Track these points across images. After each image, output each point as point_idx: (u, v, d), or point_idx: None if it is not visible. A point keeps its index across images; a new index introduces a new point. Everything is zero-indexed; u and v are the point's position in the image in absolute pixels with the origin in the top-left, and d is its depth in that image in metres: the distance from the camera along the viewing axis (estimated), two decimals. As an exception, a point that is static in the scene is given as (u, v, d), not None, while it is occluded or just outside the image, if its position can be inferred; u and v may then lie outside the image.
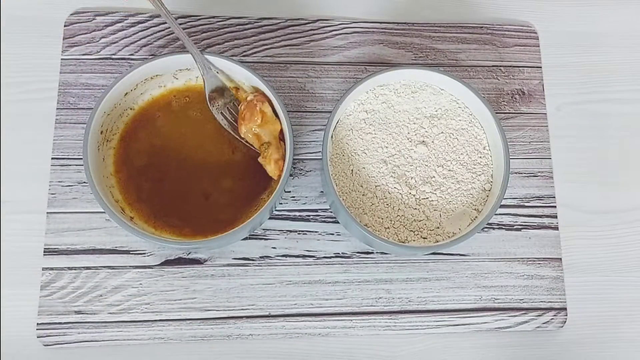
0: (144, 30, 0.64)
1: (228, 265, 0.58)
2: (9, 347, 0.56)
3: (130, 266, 0.58)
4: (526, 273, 0.61)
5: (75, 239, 0.58)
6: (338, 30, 0.66)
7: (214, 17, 0.65)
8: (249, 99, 0.55)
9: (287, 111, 0.55)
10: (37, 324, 0.56)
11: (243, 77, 0.57)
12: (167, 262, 0.58)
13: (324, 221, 0.60)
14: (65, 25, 0.63)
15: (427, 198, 0.56)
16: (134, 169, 0.56)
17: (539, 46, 0.68)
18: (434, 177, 0.56)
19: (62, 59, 0.62)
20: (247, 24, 0.65)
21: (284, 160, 0.54)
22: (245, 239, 0.59)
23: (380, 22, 0.67)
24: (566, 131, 0.66)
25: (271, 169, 0.55)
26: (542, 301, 0.60)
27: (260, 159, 0.55)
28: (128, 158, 0.56)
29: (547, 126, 0.65)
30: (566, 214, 0.63)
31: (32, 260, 0.57)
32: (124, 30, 0.63)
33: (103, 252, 0.58)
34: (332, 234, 0.60)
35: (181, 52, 0.55)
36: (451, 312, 0.59)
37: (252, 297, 0.58)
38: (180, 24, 0.64)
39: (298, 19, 0.66)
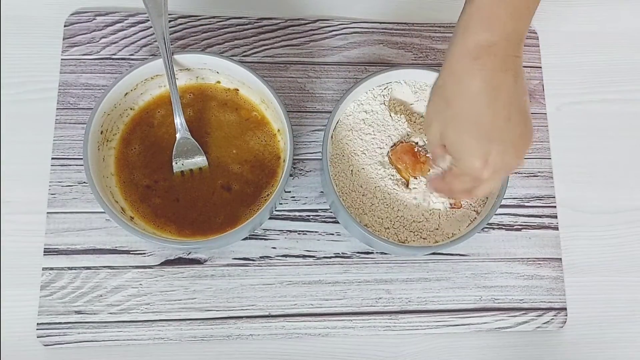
0: (144, 30, 0.64)
1: (228, 265, 0.58)
2: (9, 347, 0.56)
3: (130, 266, 0.58)
4: (526, 273, 0.61)
5: (75, 239, 0.58)
6: (338, 30, 0.66)
7: (214, 17, 0.65)
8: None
9: (287, 111, 0.55)
10: (37, 324, 0.56)
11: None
12: (167, 262, 0.58)
13: (324, 221, 0.60)
14: (65, 25, 0.63)
15: (427, 199, 0.56)
16: (134, 169, 0.56)
17: (538, 46, 0.68)
18: (434, 177, 0.56)
19: (62, 59, 0.62)
20: (247, 24, 0.65)
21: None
22: (245, 239, 0.59)
23: (380, 22, 0.67)
24: (566, 131, 0.66)
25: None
26: (542, 301, 0.60)
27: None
28: (128, 158, 0.56)
29: (547, 126, 0.65)
30: (566, 214, 0.63)
31: (32, 260, 0.57)
32: (124, 30, 0.63)
33: (103, 252, 0.58)
34: (332, 234, 0.60)
35: (181, 52, 0.55)
36: (451, 312, 0.59)
37: (252, 297, 0.58)
38: (180, 24, 0.64)
39: (298, 19, 0.66)
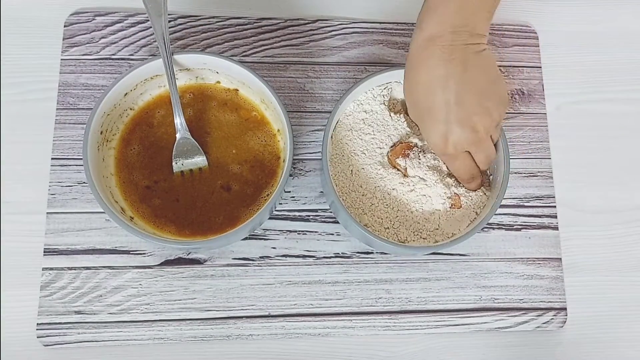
0: (144, 30, 0.64)
1: (228, 265, 0.58)
2: (9, 347, 0.56)
3: (130, 266, 0.58)
4: (526, 273, 0.61)
5: (75, 239, 0.58)
6: (337, 30, 0.66)
7: (214, 17, 0.65)
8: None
9: (287, 111, 0.55)
10: (37, 324, 0.56)
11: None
12: (167, 262, 0.58)
13: (324, 221, 0.60)
14: (65, 26, 0.63)
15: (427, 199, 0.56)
16: (133, 169, 0.56)
17: (538, 46, 0.68)
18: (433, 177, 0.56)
19: (62, 59, 0.62)
20: (246, 24, 0.65)
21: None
22: (245, 239, 0.59)
23: (380, 22, 0.67)
24: (566, 131, 0.66)
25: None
26: (542, 301, 0.60)
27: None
28: (128, 158, 0.56)
29: (546, 126, 0.65)
30: (566, 214, 0.63)
31: (32, 260, 0.57)
32: (123, 30, 0.63)
33: (103, 252, 0.58)
34: (332, 234, 0.60)
35: (181, 52, 0.55)
36: (451, 312, 0.59)
37: (252, 297, 0.58)
38: (179, 24, 0.64)
39: (298, 19, 0.66)
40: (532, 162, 0.64)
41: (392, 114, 0.58)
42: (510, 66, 0.67)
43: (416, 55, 0.49)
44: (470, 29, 0.48)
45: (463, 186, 0.56)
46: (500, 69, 0.66)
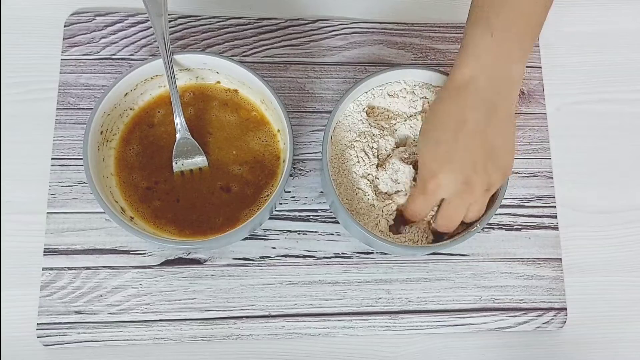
0: (144, 30, 0.64)
1: (228, 265, 0.58)
2: (9, 347, 0.56)
3: (130, 266, 0.58)
4: (526, 273, 0.61)
5: (75, 239, 0.58)
6: (338, 30, 0.66)
7: (214, 17, 0.65)
8: None
9: (287, 111, 0.55)
10: (37, 324, 0.56)
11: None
12: (167, 262, 0.58)
13: (324, 221, 0.60)
14: (65, 26, 0.63)
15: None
16: (133, 169, 0.56)
17: (538, 46, 0.68)
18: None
19: (62, 59, 0.62)
20: (247, 24, 0.65)
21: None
22: (245, 239, 0.59)
23: (380, 23, 0.67)
24: (566, 131, 0.66)
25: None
26: (542, 301, 0.60)
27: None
28: (128, 158, 0.56)
29: (546, 126, 0.65)
30: (566, 214, 0.63)
31: (32, 260, 0.57)
32: (124, 30, 0.63)
33: (103, 252, 0.58)
34: (332, 234, 0.60)
35: (181, 52, 0.55)
36: (451, 312, 0.59)
37: (252, 297, 0.58)
38: (180, 24, 0.64)
39: (298, 19, 0.66)
40: (532, 162, 0.64)
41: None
42: (510, 66, 0.66)
43: (448, 92, 0.50)
44: (505, 74, 0.48)
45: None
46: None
